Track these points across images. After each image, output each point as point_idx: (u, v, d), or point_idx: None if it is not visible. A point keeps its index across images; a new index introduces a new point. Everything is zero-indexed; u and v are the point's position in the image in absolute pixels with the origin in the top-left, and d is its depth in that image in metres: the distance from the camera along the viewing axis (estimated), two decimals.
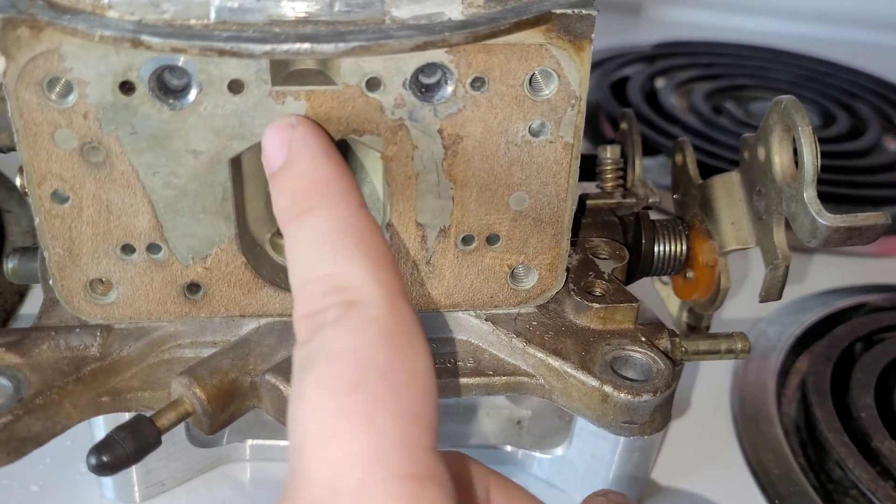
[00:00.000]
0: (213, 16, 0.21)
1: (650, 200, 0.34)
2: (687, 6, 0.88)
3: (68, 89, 0.23)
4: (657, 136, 0.60)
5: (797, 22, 0.86)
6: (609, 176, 0.35)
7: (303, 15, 0.21)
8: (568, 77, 0.24)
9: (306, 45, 0.21)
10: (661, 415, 0.27)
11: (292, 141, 0.23)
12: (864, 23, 0.86)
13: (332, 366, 0.19)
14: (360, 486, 0.17)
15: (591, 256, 0.31)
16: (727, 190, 0.32)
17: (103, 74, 0.23)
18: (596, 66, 0.72)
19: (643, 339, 0.28)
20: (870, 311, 0.48)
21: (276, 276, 0.28)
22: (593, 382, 0.27)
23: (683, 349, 0.29)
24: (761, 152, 0.29)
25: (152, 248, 0.26)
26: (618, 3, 0.87)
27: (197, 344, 0.28)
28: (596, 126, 0.64)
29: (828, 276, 0.51)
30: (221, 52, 0.21)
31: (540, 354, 0.28)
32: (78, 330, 0.27)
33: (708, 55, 0.77)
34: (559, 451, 0.32)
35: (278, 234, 0.28)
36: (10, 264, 0.31)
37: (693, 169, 0.34)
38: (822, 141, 0.29)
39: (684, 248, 0.33)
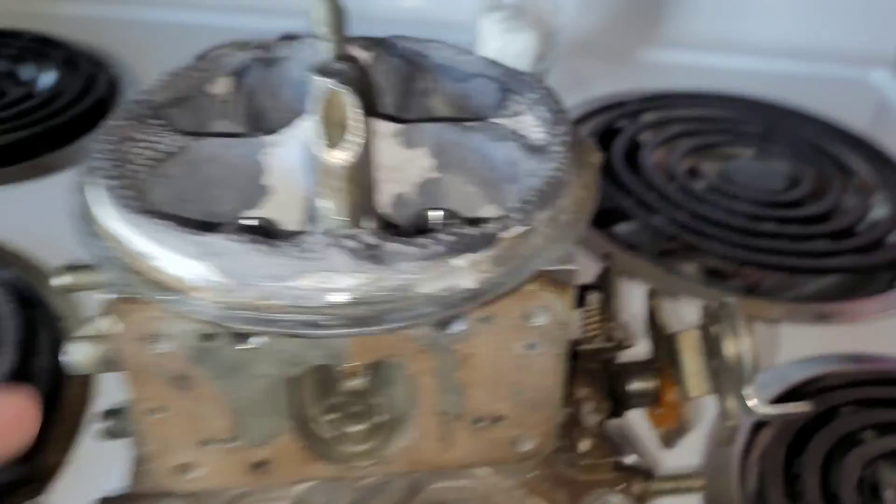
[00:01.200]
0: (279, 302, 0.28)
1: (627, 344, 0.41)
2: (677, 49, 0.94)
3: (161, 340, 0.30)
4: (635, 207, 0.67)
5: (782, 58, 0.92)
6: (593, 322, 0.42)
7: (351, 299, 0.28)
8: (556, 311, 0.31)
9: (356, 329, 0.27)
10: None
11: None
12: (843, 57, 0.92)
13: None
14: None
15: (578, 411, 0.38)
16: (690, 345, 0.38)
17: (188, 331, 0.29)
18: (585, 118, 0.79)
19: (621, 487, 0.35)
20: (827, 387, 0.55)
21: (324, 449, 0.35)
22: None
23: (653, 490, 0.36)
24: (713, 330, 0.36)
25: (227, 440, 0.33)
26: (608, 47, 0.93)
27: (262, 500, 0.35)
28: None
29: (793, 346, 0.58)
30: (290, 335, 0.27)
31: None
32: (171, 497, 0.34)
33: (688, 107, 0.83)
34: None
35: (327, 412, 0.35)
36: (105, 423, 0.37)
37: (663, 319, 0.40)
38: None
39: (653, 387, 0.40)
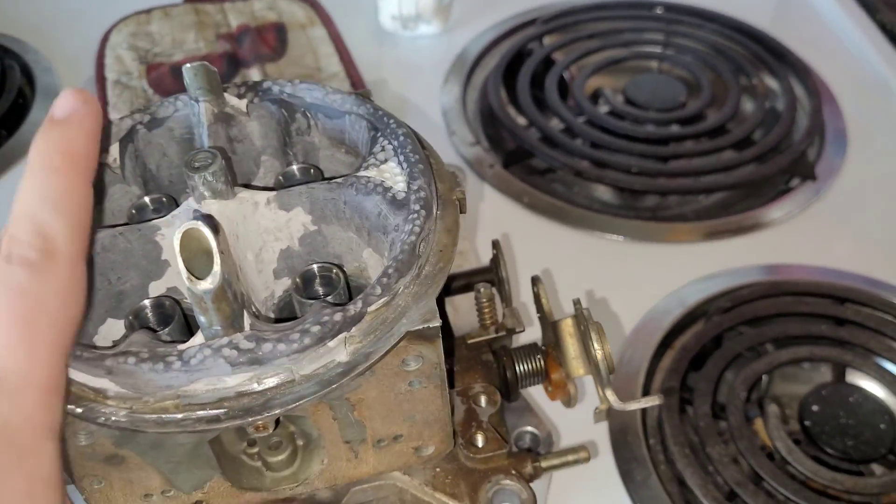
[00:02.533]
0: (175, 406, 0.32)
1: (517, 330, 0.46)
2: None
3: (83, 436, 0.34)
4: (540, 143, 0.70)
5: None
6: (486, 312, 0.46)
7: (236, 395, 0.32)
8: (429, 357, 0.35)
9: (249, 419, 0.32)
10: None
11: (77, 113, 0.30)
12: None
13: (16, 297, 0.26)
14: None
15: (473, 406, 0.43)
16: (569, 332, 0.43)
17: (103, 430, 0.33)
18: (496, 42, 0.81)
19: (513, 472, 0.41)
20: (721, 309, 0.60)
21: (253, 478, 0.40)
22: None
23: (542, 468, 0.42)
24: (580, 328, 0.41)
25: (164, 492, 0.38)
26: None
27: None
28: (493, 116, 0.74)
29: (700, 263, 0.64)
30: (189, 433, 0.32)
31: (444, 498, 0.41)
32: None
33: (593, 21, 0.85)
34: None
35: (248, 445, 0.40)
36: None
37: (547, 305, 0.45)
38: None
39: (540, 369, 0.45)
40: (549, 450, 0.45)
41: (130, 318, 0.37)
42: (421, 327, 0.34)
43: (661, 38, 0.81)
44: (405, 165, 0.37)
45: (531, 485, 0.41)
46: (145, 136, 0.41)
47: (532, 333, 0.48)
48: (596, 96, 0.77)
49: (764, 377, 0.56)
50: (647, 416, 0.55)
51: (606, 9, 0.86)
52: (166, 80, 0.81)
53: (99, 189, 0.40)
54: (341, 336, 0.32)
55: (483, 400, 0.43)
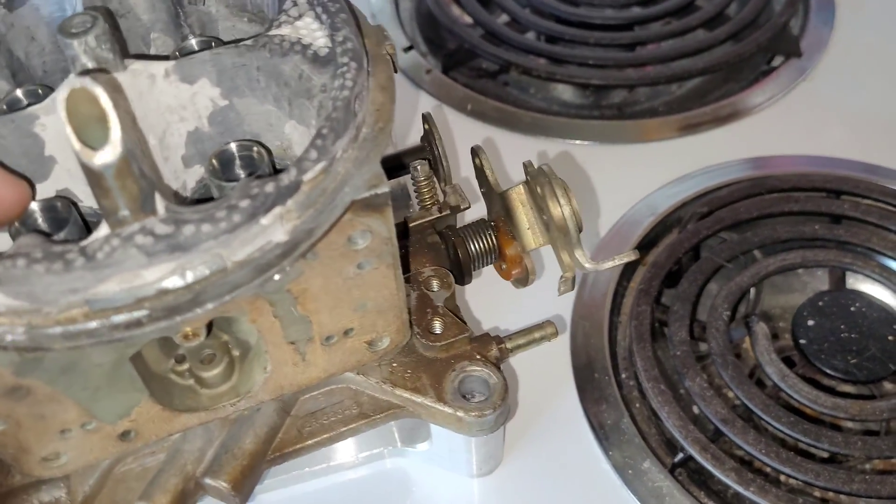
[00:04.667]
0: (83, 313, 0.26)
1: (462, 207, 0.42)
2: None
3: None
4: (487, 44, 0.64)
5: None
6: (425, 192, 0.42)
7: (157, 291, 0.26)
8: (378, 231, 0.31)
9: (177, 318, 0.26)
10: (503, 416, 0.37)
11: None
12: None
13: None
14: None
15: (425, 291, 0.39)
16: (520, 201, 0.39)
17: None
18: None
19: (478, 356, 0.37)
20: (697, 214, 0.52)
21: (186, 398, 0.35)
22: (448, 410, 0.36)
23: (508, 349, 0.38)
24: (538, 190, 0.37)
25: (84, 424, 0.32)
26: None
27: (138, 458, 0.36)
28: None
29: (681, 160, 0.58)
30: (107, 343, 0.26)
31: (405, 394, 0.37)
32: (44, 486, 0.34)
33: None
34: (424, 445, 0.42)
35: (177, 362, 0.35)
36: None
37: (492, 176, 0.41)
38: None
39: (492, 245, 0.41)
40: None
41: (16, 224, 0.31)
42: (368, 195, 0.29)
43: None
44: (325, 18, 0.32)
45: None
46: (5, 18, 0.35)
47: (475, 211, 0.44)
48: None
49: (751, 290, 0.48)
50: (617, 345, 0.48)
51: None
52: None
53: None
54: (276, 211, 0.27)
55: (435, 284, 0.39)
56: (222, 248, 0.26)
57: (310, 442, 0.37)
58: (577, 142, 0.60)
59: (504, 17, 0.69)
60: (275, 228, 0.27)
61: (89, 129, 0.24)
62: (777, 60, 0.66)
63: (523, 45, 0.65)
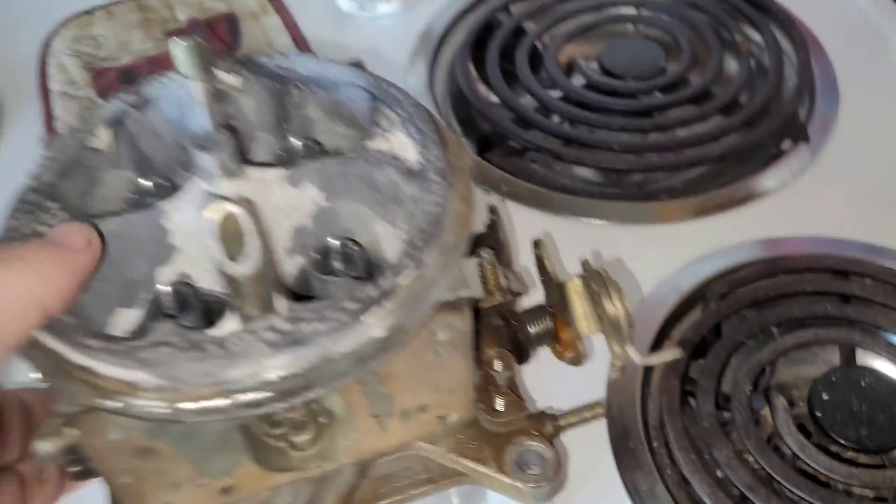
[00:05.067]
0: (213, 393, 0.31)
1: (522, 293, 0.46)
2: None
3: (116, 431, 0.33)
4: (516, 127, 0.69)
5: None
6: (490, 279, 0.46)
7: (278, 378, 0.31)
8: (457, 326, 0.35)
9: (291, 400, 0.31)
10: (556, 487, 0.41)
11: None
12: None
13: None
14: None
15: (489, 371, 0.43)
16: (577, 293, 0.44)
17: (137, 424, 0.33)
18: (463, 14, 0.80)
19: (534, 432, 0.42)
20: (718, 294, 0.57)
21: (279, 459, 0.40)
22: (508, 480, 0.40)
23: (561, 427, 0.43)
24: (594, 286, 0.41)
25: (194, 480, 0.37)
26: None
27: None
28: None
29: (695, 242, 0.61)
30: (231, 420, 0.31)
31: (469, 464, 0.41)
32: None
33: None
34: None
35: (272, 427, 0.40)
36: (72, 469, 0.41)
37: (551, 268, 0.45)
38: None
39: (550, 330, 0.45)
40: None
41: (151, 305, 0.36)
42: (451, 297, 0.34)
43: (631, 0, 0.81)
44: (417, 136, 0.37)
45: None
46: (137, 118, 0.40)
47: (531, 297, 0.48)
48: (570, 67, 0.76)
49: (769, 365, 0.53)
50: (648, 416, 0.52)
51: None
52: (115, 86, 0.75)
53: (93, 175, 0.39)
54: (375, 311, 0.32)
55: (498, 365, 0.44)
56: (331, 343, 0.31)
57: (383, 502, 0.41)
58: (600, 221, 0.64)
59: (530, 100, 0.74)
60: (374, 326, 0.32)
61: (232, 245, 0.30)
62: (786, 144, 0.70)
63: (549, 128, 0.70)
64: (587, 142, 0.69)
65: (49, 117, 0.72)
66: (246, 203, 0.33)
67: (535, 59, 0.76)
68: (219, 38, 0.78)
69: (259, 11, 0.81)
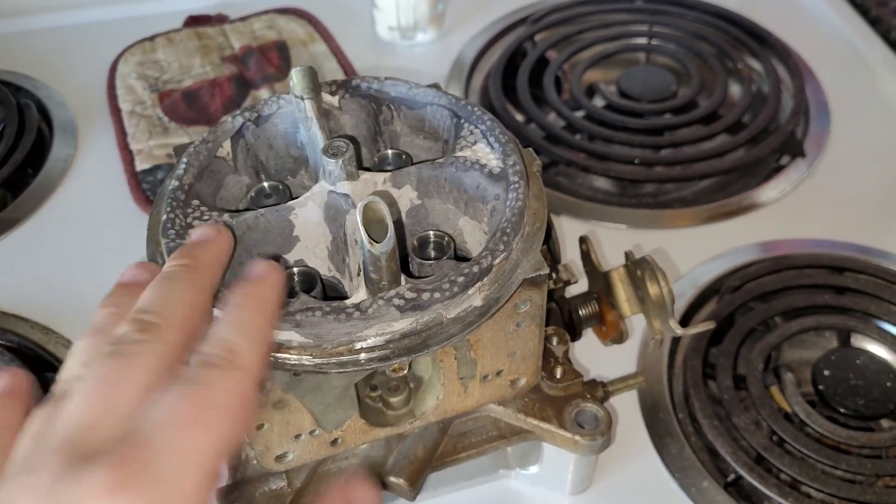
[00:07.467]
0: (353, 346, 0.39)
1: (572, 282, 0.54)
2: None
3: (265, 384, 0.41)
4: (544, 141, 0.78)
5: None
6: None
7: (401, 335, 0.39)
8: (535, 300, 0.43)
9: (411, 356, 0.39)
10: (607, 440, 0.49)
11: (272, 274, 0.36)
12: None
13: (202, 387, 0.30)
14: None
15: (548, 346, 0.51)
16: (619, 280, 0.52)
17: (283, 375, 0.40)
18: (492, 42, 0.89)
19: (588, 396, 0.49)
20: (731, 287, 0.65)
21: (377, 416, 0.47)
22: (568, 435, 0.48)
23: (610, 392, 0.50)
24: (637, 272, 0.49)
25: (312, 431, 0.45)
26: None
27: (336, 460, 0.48)
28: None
29: (705, 246, 0.70)
30: (363, 370, 0.39)
31: (534, 421, 0.49)
32: (272, 477, 0.46)
33: (575, 17, 0.92)
34: (535, 468, 0.54)
35: (371, 390, 0.47)
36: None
37: (596, 259, 0.53)
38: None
39: (597, 312, 0.53)
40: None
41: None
42: (534, 275, 0.42)
43: (645, 30, 0.89)
44: (496, 146, 0.45)
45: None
46: (254, 131, 0.48)
47: (576, 287, 0.56)
48: (591, 91, 0.84)
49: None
50: (674, 391, 0.60)
51: (592, 3, 0.93)
52: (180, 106, 0.82)
53: (219, 179, 0.47)
54: (477, 285, 0.40)
55: (555, 340, 0.51)
56: (443, 309, 0.39)
57: (462, 455, 0.49)
58: (619, 226, 0.73)
59: (556, 119, 0.82)
60: (475, 296, 0.40)
61: (372, 229, 0.37)
62: (785, 159, 0.79)
63: (574, 144, 0.78)
64: (607, 155, 0.77)
65: (123, 134, 0.79)
66: (385, 196, 0.40)
67: (559, 84, 0.84)
68: (271, 65, 0.86)
69: (307, 39, 0.89)
